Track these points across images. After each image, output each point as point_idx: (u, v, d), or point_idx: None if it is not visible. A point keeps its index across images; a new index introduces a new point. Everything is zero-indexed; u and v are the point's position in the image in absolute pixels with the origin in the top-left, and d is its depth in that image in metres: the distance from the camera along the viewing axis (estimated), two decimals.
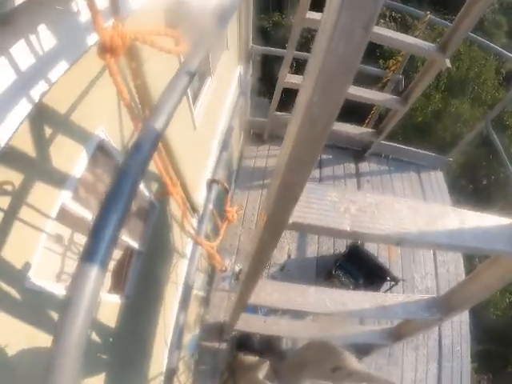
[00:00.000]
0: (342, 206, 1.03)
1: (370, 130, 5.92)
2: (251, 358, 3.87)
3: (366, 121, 6.58)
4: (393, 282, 4.71)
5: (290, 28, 4.09)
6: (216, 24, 1.88)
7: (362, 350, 3.55)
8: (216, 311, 4.46)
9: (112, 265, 3.13)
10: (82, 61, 1.40)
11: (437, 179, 6.36)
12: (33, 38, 1.19)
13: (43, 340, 1.65)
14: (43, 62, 1.25)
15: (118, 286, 2.89)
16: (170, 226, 3.73)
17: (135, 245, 2.87)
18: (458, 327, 4.80)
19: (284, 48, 4.47)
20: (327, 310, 2.07)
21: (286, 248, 5.19)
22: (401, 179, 6.24)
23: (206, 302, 4.88)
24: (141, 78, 1.98)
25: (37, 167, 1.52)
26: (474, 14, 3.38)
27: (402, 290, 4.95)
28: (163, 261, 3.81)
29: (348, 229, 1.00)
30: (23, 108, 1.19)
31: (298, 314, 3.96)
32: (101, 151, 2.09)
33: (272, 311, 4.19)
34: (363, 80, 5.06)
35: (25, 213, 1.48)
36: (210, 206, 3.00)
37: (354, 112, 5.73)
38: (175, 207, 3.18)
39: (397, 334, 2.83)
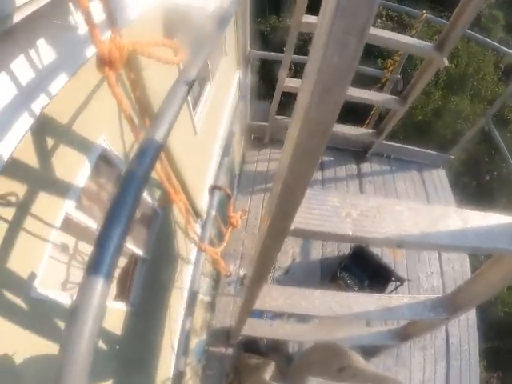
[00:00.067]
0: (343, 210, 1.04)
1: (370, 130, 5.92)
2: (256, 359, 3.86)
3: (366, 121, 6.59)
4: (398, 283, 4.70)
5: (287, 31, 4.10)
6: (214, 29, 1.90)
7: (369, 351, 3.55)
8: (222, 316, 4.46)
9: (117, 272, 3.14)
10: (81, 71, 1.42)
11: (439, 177, 6.35)
12: (32, 52, 1.21)
13: (49, 348, 1.66)
14: (43, 75, 1.26)
15: (123, 293, 2.90)
16: (173, 233, 3.75)
17: (140, 252, 2.88)
18: (465, 325, 4.78)
19: (282, 51, 4.48)
20: (332, 313, 2.07)
21: (290, 251, 5.17)
22: (403, 179, 6.22)
23: (212, 307, 4.88)
24: (140, 88, 2.00)
25: (40, 178, 1.53)
26: (471, 11, 3.36)
27: (407, 290, 4.92)
28: (168, 267, 3.82)
29: (350, 233, 1.01)
30: (25, 122, 1.21)
31: (303, 318, 3.95)
32: (103, 160, 2.11)
33: (278, 315, 4.18)
34: (362, 81, 5.06)
35: (29, 223, 1.49)
36: (213, 213, 3.01)
37: (353, 113, 5.73)
38: (178, 213, 3.20)
39: (404, 335, 2.82)
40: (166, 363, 3.52)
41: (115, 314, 2.59)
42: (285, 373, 3.62)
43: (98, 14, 1.23)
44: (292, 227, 0.98)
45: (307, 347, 3.24)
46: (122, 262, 3.17)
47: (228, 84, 5.27)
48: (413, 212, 1.18)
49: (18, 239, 1.44)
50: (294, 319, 3.85)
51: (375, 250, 4.99)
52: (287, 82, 4.93)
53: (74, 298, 1.83)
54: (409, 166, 6.38)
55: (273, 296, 2.05)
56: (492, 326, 8.64)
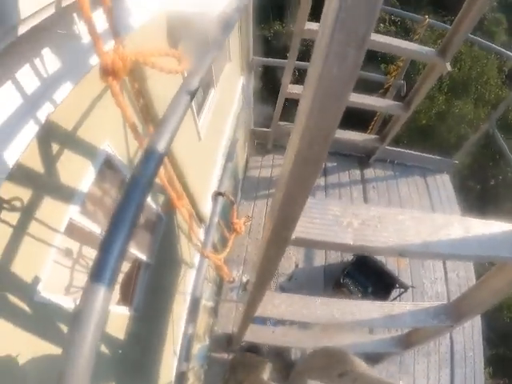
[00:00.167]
0: (344, 220, 1.04)
1: (373, 136, 5.92)
2: (251, 356, 3.84)
3: (370, 127, 6.59)
4: (402, 289, 4.67)
5: (290, 37, 4.12)
6: (218, 36, 1.91)
7: (373, 358, 3.53)
8: (224, 322, 4.45)
9: (120, 277, 3.15)
10: (86, 77, 1.43)
11: (443, 182, 6.32)
12: (37, 61, 1.23)
13: (51, 351, 1.68)
14: (48, 84, 1.28)
15: (126, 297, 2.91)
16: (177, 238, 3.75)
17: (143, 257, 2.89)
18: (470, 332, 4.73)
19: (285, 56, 4.50)
20: (335, 321, 2.07)
21: (293, 258, 5.16)
22: (407, 184, 6.20)
23: (214, 312, 4.88)
24: (144, 96, 2.02)
25: (45, 183, 1.55)
26: (473, 15, 3.36)
27: (411, 297, 4.90)
28: (171, 272, 3.82)
29: (351, 243, 1.01)
30: (30, 130, 1.22)
31: (306, 324, 3.94)
32: (107, 165, 2.12)
33: (280, 322, 4.17)
34: (365, 86, 5.07)
35: (34, 228, 1.50)
36: (216, 219, 3.02)
37: (357, 118, 5.73)
38: (182, 219, 3.21)
39: (407, 342, 2.80)
40: (168, 368, 3.52)
41: (118, 318, 2.59)
42: (284, 376, 3.61)
43: (102, 23, 1.24)
44: (293, 236, 0.98)
45: (309, 352, 3.23)
46: (126, 266, 3.18)
47: (232, 90, 5.30)
48: (415, 221, 1.17)
49: (22, 244, 1.45)
50: (296, 326, 3.84)
51: (379, 257, 4.96)
52: (290, 89, 4.94)
53: (78, 301, 1.84)
54: (412, 171, 6.37)
55: (275, 303, 2.04)
56: (498, 333, 8.56)
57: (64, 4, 1.14)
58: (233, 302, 4.71)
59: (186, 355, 2.76)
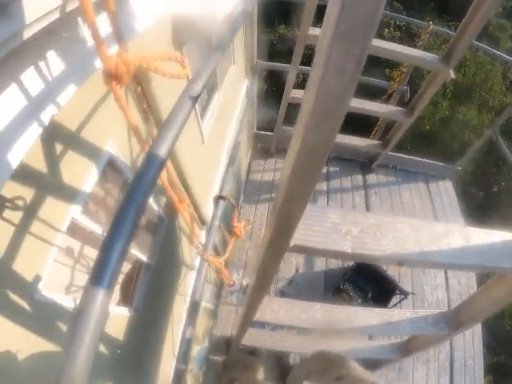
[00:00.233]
0: (343, 227, 1.04)
1: (376, 141, 5.91)
2: (243, 356, 3.82)
3: (373, 132, 6.59)
4: (402, 296, 4.66)
5: (295, 40, 4.12)
6: (222, 38, 1.92)
7: (372, 364, 3.51)
8: (223, 325, 4.44)
9: (121, 278, 3.16)
10: (90, 79, 1.45)
11: (446, 189, 6.31)
12: (42, 64, 1.24)
13: (50, 348, 1.70)
14: (52, 86, 1.29)
15: (126, 298, 2.92)
16: (178, 239, 3.77)
17: (144, 258, 2.90)
18: (471, 340, 4.71)
19: (290, 60, 4.51)
20: (333, 327, 2.07)
21: (293, 262, 5.16)
22: (409, 190, 6.19)
23: (214, 315, 4.88)
24: (147, 99, 2.03)
25: (48, 183, 1.57)
26: (478, 21, 3.34)
27: (411, 303, 4.88)
28: (172, 273, 3.83)
29: (349, 251, 1.01)
30: (34, 131, 1.24)
31: (305, 329, 3.93)
32: (110, 166, 2.14)
33: (279, 326, 4.16)
34: (368, 92, 5.08)
35: (36, 227, 1.52)
36: (217, 222, 3.03)
37: (360, 123, 5.75)
38: (184, 221, 3.22)
39: (406, 349, 2.79)
40: (167, 369, 3.53)
41: (118, 318, 2.61)
42: (280, 379, 3.59)
43: (106, 27, 1.25)
44: (291, 244, 0.98)
45: (306, 356, 3.21)
46: (127, 267, 3.19)
47: (236, 93, 5.32)
48: (414, 229, 1.17)
49: (24, 242, 1.47)
50: (295, 330, 3.83)
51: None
52: (293, 94, 4.96)
53: (78, 301, 1.85)
54: (415, 177, 6.35)
55: (273, 308, 2.04)
56: (499, 340, 8.51)
57: (68, 9, 1.15)
58: (232, 306, 4.70)
59: (184, 357, 2.77)
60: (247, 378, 3.15)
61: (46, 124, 1.28)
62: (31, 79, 1.21)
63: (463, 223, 5.89)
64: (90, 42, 1.39)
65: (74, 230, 1.91)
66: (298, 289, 4.91)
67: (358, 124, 5.48)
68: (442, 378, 4.51)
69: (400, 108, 5.04)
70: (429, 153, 8.21)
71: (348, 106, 0.60)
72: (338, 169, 6.27)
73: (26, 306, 1.57)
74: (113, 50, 1.33)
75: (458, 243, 1.25)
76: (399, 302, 4.70)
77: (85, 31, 1.34)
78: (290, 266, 5.12)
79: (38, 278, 1.60)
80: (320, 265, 5.21)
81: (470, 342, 4.70)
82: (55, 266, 1.75)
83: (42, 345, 1.66)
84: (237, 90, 5.37)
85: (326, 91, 0.57)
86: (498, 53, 5.56)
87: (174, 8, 2.20)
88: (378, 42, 3.79)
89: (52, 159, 1.57)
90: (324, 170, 6.07)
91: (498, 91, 11.42)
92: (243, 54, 5.03)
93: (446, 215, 5.92)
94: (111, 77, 1.13)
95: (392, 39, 12.01)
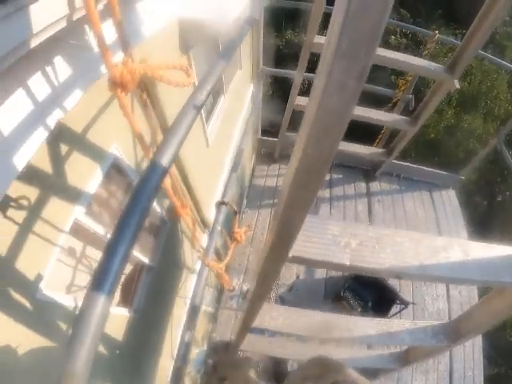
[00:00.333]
0: (342, 239, 1.05)
1: (380, 149, 5.90)
2: (233, 355, 3.81)
3: (377, 140, 6.59)
4: (402, 305, 4.64)
5: (301, 46, 4.13)
6: (229, 45, 1.94)
7: (370, 373, 3.49)
8: (223, 330, 4.44)
9: (122, 278, 3.18)
10: (97, 81, 1.47)
11: (449, 198, 6.28)
12: (48, 69, 1.26)
13: (49, 346, 1.72)
14: (58, 91, 1.31)
15: (126, 299, 2.93)
16: (180, 242, 3.78)
17: (146, 260, 2.91)
18: (471, 351, 4.67)
19: (296, 65, 4.52)
20: (332, 336, 2.06)
21: (294, 269, 5.14)
22: (412, 199, 6.17)
23: (214, 318, 4.88)
24: (153, 105, 2.05)
25: (52, 183, 1.59)
26: (485, 30, 3.33)
27: (412, 313, 4.86)
28: (173, 275, 3.85)
29: (348, 263, 1.01)
30: (40, 135, 1.26)
31: (304, 337, 3.91)
32: (114, 168, 2.16)
33: (278, 332, 4.15)
34: (373, 100, 5.08)
35: (39, 226, 1.54)
36: (218, 227, 3.04)
37: (364, 131, 5.74)
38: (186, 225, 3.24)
39: (405, 359, 2.78)
40: (165, 370, 3.53)
41: (117, 319, 2.62)
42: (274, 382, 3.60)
43: (112, 33, 1.26)
44: (290, 255, 0.99)
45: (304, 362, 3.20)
46: (128, 268, 3.21)
47: (241, 97, 5.34)
48: (413, 243, 1.17)
49: (27, 242, 1.48)
50: (294, 337, 3.82)
51: None
52: (298, 101, 4.96)
53: (78, 300, 1.87)
54: (419, 185, 6.33)
55: (272, 315, 2.05)
56: (500, 352, 8.44)
57: (75, 17, 1.17)
58: (232, 310, 4.70)
59: (183, 359, 2.77)
60: (238, 377, 3.14)
61: (52, 128, 1.30)
62: (38, 84, 1.23)
63: (466, 233, 5.87)
64: (97, 49, 1.41)
65: (77, 231, 1.93)
66: (298, 295, 4.90)
67: (361, 132, 5.47)
68: None
69: (404, 117, 5.03)
70: (433, 161, 8.19)
71: (348, 121, 0.61)
72: (341, 176, 6.26)
73: (26, 304, 1.59)
74: (119, 55, 1.35)
75: (458, 257, 1.25)
76: (399, 311, 4.69)
77: (91, 38, 1.36)
78: (291, 272, 5.11)
79: (39, 277, 1.62)
80: (320, 272, 5.19)
81: (470, 354, 4.67)
82: (57, 266, 1.76)
83: (41, 342, 1.68)
84: (242, 95, 5.39)
85: (327, 107, 0.58)
86: (504, 62, 5.54)
87: (181, 12, 2.22)
88: (382, 52, 3.79)
89: (57, 160, 1.59)
90: (327, 177, 6.06)
91: (504, 100, 11.36)
92: (249, 59, 5.05)
93: (449, 224, 5.90)
94: (116, 85, 1.14)
95: (398, 46, 12.02)
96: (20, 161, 1.18)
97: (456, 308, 4.99)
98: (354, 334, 2.08)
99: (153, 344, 3.41)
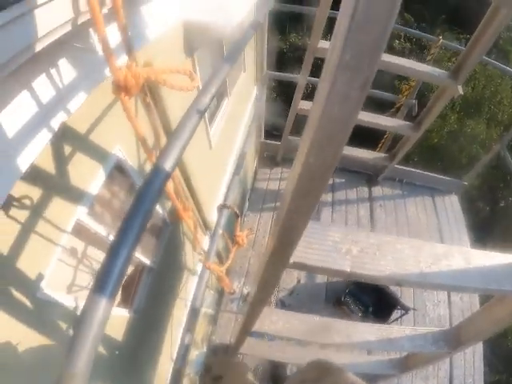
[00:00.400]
0: (343, 246, 1.05)
1: (383, 154, 5.89)
2: (226, 356, 3.81)
3: (380, 145, 6.58)
4: (403, 311, 4.63)
5: (305, 49, 4.13)
6: (233, 49, 1.94)
7: (370, 379, 3.48)
8: (223, 332, 4.43)
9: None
10: (100, 85, 1.47)
11: (451, 203, 6.27)
12: (53, 71, 1.26)
13: (48, 344, 1.73)
14: (63, 93, 1.32)
15: (126, 300, 2.93)
16: (181, 244, 3.78)
17: (147, 261, 2.92)
18: (471, 358, 4.65)
19: (299, 68, 4.52)
20: (332, 341, 2.06)
21: (295, 273, 5.13)
22: (415, 204, 6.16)
23: (214, 320, 4.87)
24: (155, 109, 2.06)
25: (55, 183, 1.60)
26: (488, 37, 3.33)
27: (412, 318, 4.84)
28: (173, 277, 3.85)
29: (348, 270, 1.01)
30: (43, 137, 1.26)
31: (304, 341, 3.91)
32: (117, 169, 2.16)
33: (278, 336, 4.13)
34: (376, 105, 5.07)
35: (41, 226, 1.55)
36: (220, 231, 3.04)
37: (367, 135, 5.74)
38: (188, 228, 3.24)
39: (405, 365, 2.77)
40: (164, 371, 3.53)
41: (117, 319, 2.62)
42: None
43: (116, 36, 1.27)
44: (291, 261, 0.99)
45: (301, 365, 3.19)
46: (129, 269, 3.21)
47: (245, 100, 5.34)
48: (414, 250, 1.17)
49: (29, 241, 1.49)
50: (294, 342, 3.82)
51: None
52: (301, 105, 4.96)
53: (79, 300, 1.87)
54: (421, 191, 6.32)
55: (272, 319, 2.05)
56: (501, 359, 8.39)
57: (80, 21, 1.17)
58: (232, 313, 4.69)
59: (182, 361, 2.78)
60: (233, 376, 3.14)
61: (56, 130, 1.31)
62: (42, 86, 1.23)
63: (468, 239, 5.85)
64: (101, 52, 1.42)
65: (79, 231, 1.94)
66: (299, 299, 4.89)
67: (364, 136, 5.46)
68: None
69: (407, 122, 5.02)
70: (436, 166, 8.16)
71: (352, 129, 0.61)
72: (343, 180, 6.26)
73: (27, 303, 1.60)
74: (123, 58, 1.36)
75: (459, 265, 1.24)
76: (400, 317, 4.67)
77: (96, 41, 1.36)
78: (292, 276, 5.10)
79: (40, 277, 1.63)
80: (321, 277, 5.18)
81: (471, 361, 4.64)
82: (58, 266, 1.77)
83: (41, 341, 1.69)
84: (246, 98, 5.40)
85: (330, 117, 0.58)
86: (508, 68, 5.53)
87: (186, 15, 2.23)
88: (387, 57, 3.78)
89: (60, 160, 1.60)
90: (329, 182, 6.05)
91: (508, 105, 11.31)
92: (253, 62, 5.06)
93: (451, 230, 5.88)
94: (120, 88, 1.15)
95: (402, 51, 12.02)
96: (23, 162, 1.18)
97: (457, 314, 4.97)
98: (354, 339, 2.07)
99: (152, 345, 3.41)
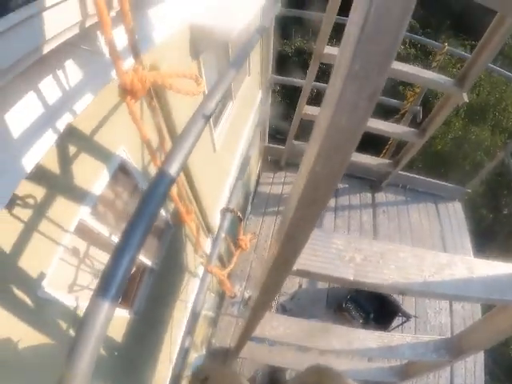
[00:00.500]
0: (347, 254, 1.04)
1: (387, 160, 5.87)
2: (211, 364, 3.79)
3: (384, 151, 6.57)
4: (404, 318, 4.60)
5: (310, 54, 4.14)
6: (239, 54, 1.95)
7: None
8: (223, 336, 4.42)
9: None
10: (106, 87, 1.48)
11: (455, 210, 6.24)
12: (60, 72, 1.27)
13: (47, 343, 1.74)
14: (69, 95, 1.32)
15: (127, 300, 2.93)
16: (183, 246, 3.78)
17: (148, 262, 2.92)
18: (472, 367, 4.61)
19: (305, 73, 4.52)
20: (332, 348, 2.05)
21: (297, 278, 5.09)
22: (418, 210, 6.14)
23: (214, 323, 4.86)
24: (161, 112, 2.06)
25: (59, 183, 1.60)
26: (494, 45, 3.31)
27: (414, 325, 4.81)
28: (174, 279, 3.85)
29: (351, 278, 1.01)
30: (49, 138, 1.26)
31: (304, 347, 3.88)
32: (121, 170, 2.17)
33: (278, 341, 4.11)
34: (381, 111, 5.06)
35: (44, 225, 1.56)
36: (223, 234, 3.04)
37: (371, 141, 5.72)
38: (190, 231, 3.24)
39: (406, 373, 2.75)
40: (163, 373, 3.52)
41: (117, 320, 2.62)
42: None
43: (123, 39, 1.27)
44: (295, 268, 0.99)
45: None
46: None
47: (250, 104, 5.35)
48: (417, 259, 1.17)
49: (31, 240, 1.50)
50: (294, 347, 3.81)
51: None
52: (306, 110, 4.95)
53: (79, 300, 1.87)
54: (424, 197, 6.30)
55: (273, 325, 2.04)
56: (503, 368, 8.34)
57: (88, 24, 1.18)
58: (233, 317, 4.68)
59: (181, 363, 2.77)
60: (222, 377, 3.12)
61: (61, 131, 1.31)
62: (49, 87, 1.24)
63: (470, 246, 5.82)
64: (108, 54, 1.42)
65: (82, 231, 1.94)
66: (300, 305, 4.88)
67: (368, 142, 5.45)
68: None
69: (412, 129, 5.01)
70: (440, 172, 8.13)
71: (359, 138, 0.61)
72: (346, 186, 6.25)
73: (28, 301, 1.60)
74: (129, 61, 1.36)
75: (462, 274, 1.24)
76: (401, 324, 4.65)
77: (103, 43, 1.37)
78: (293, 281, 5.08)
79: (42, 276, 1.63)
80: (323, 282, 5.14)
81: (472, 369, 4.60)
82: (60, 265, 1.77)
83: (40, 339, 1.69)
84: (250, 102, 5.40)
85: (338, 126, 0.57)
86: None
87: (192, 18, 2.24)
88: (393, 64, 3.76)
89: (65, 160, 1.60)
90: None
91: None
92: (259, 66, 5.06)
93: (454, 237, 5.86)
94: (126, 92, 1.15)
95: (407, 56, 12.03)
96: (28, 162, 1.19)
97: (458, 322, 4.94)
98: (355, 346, 2.06)
99: (152, 346, 3.40)
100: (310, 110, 4.96)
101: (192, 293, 4.01)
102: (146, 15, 1.69)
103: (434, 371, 3.03)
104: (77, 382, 0.65)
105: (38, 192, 1.47)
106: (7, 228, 1.37)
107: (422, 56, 12.17)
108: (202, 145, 3.37)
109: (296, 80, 5.69)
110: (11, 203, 1.31)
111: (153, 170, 2.53)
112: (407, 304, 4.94)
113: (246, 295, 4.89)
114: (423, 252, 1.20)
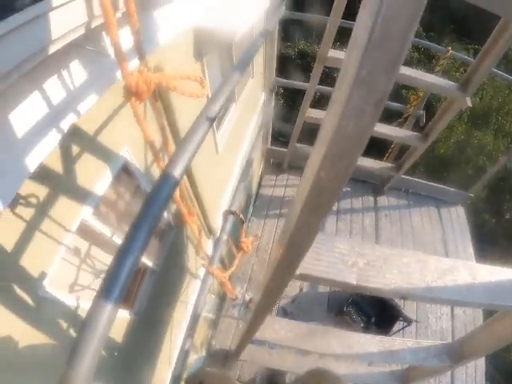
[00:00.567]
0: (350, 259, 1.04)
1: (389, 164, 5.84)
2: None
3: (386, 155, 6.55)
4: (405, 323, 4.59)
5: (314, 57, 4.13)
6: (243, 57, 1.95)
7: None
8: (223, 338, 4.40)
9: None
10: (110, 87, 1.48)
11: (457, 215, 6.21)
12: (64, 73, 1.27)
13: (47, 342, 1.75)
14: (73, 95, 1.32)
15: (127, 301, 2.93)
16: (185, 247, 3.78)
17: (149, 263, 2.92)
18: (473, 372, 4.58)
19: (308, 76, 4.51)
20: (332, 352, 2.04)
21: (298, 281, 5.06)
22: (420, 214, 6.10)
23: (214, 325, 4.85)
24: (165, 114, 2.07)
25: (62, 183, 1.61)
26: (498, 50, 3.29)
27: (415, 330, 4.79)
28: (175, 280, 3.85)
29: (354, 282, 1.01)
30: (53, 138, 1.27)
31: (304, 350, 3.86)
32: (124, 171, 2.17)
33: (279, 345, 4.10)
34: (384, 114, 5.04)
35: (46, 225, 1.56)
36: (225, 236, 3.04)
37: (373, 146, 5.71)
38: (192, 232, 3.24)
39: (406, 378, 2.74)
40: (163, 375, 3.52)
41: (117, 321, 2.62)
42: None
43: (129, 40, 1.28)
44: (298, 272, 0.98)
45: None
46: None
47: (253, 106, 5.36)
48: (420, 264, 1.16)
49: (33, 239, 1.50)
50: (294, 350, 3.79)
51: None
52: (309, 113, 4.94)
53: (80, 300, 1.87)
54: (427, 201, 6.27)
55: (274, 328, 2.04)
56: (504, 374, 8.30)
57: (93, 25, 1.18)
58: (233, 319, 4.66)
59: (181, 365, 2.77)
60: (217, 381, 3.11)
61: (65, 131, 1.32)
62: (54, 88, 1.24)
63: (473, 251, 5.80)
64: (113, 55, 1.43)
65: (84, 231, 1.95)
66: (301, 308, 4.85)
67: (371, 145, 5.44)
68: None
69: (415, 133, 4.98)
70: (442, 176, 8.11)
71: (365, 145, 0.60)
72: (348, 189, 6.22)
73: (29, 300, 1.60)
74: (134, 62, 1.37)
75: (465, 280, 1.23)
76: (402, 328, 4.63)
77: (108, 44, 1.37)
78: (294, 284, 5.05)
79: (43, 275, 1.63)
80: (324, 286, 5.11)
81: (472, 375, 4.57)
82: (61, 265, 1.78)
83: (40, 339, 1.70)
84: (253, 104, 5.41)
85: (344, 132, 0.57)
86: None
87: (197, 20, 2.25)
88: None
89: (68, 160, 1.61)
90: None
91: None
92: (262, 68, 5.07)
93: (456, 241, 5.84)
94: (131, 93, 1.15)
95: (410, 60, 12.02)
96: (32, 162, 1.19)
97: (460, 327, 4.91)
98: (355, 350, 2.06)
99: (152, 347, 3.40)
100: (314, 114, 4.95)
101: (193, 294, 4.01)
102: (152, 16, 1.69)
103: (435, 376, 3.03)
104: (78, 382, 0.65)
105: (41, 191, 1.47)
106: (9, 227, 1.37)
107: (426, 60, 12.16)
108: (205, 146, 3.36)
109: (300, 83, 5.69)
110: (14, 202, 1.32)
111: (155, 171, 2.54)
112: (408, 308, 4.92)
113: (247, 297, 4.87)
114: (426, 257, 1.20)
